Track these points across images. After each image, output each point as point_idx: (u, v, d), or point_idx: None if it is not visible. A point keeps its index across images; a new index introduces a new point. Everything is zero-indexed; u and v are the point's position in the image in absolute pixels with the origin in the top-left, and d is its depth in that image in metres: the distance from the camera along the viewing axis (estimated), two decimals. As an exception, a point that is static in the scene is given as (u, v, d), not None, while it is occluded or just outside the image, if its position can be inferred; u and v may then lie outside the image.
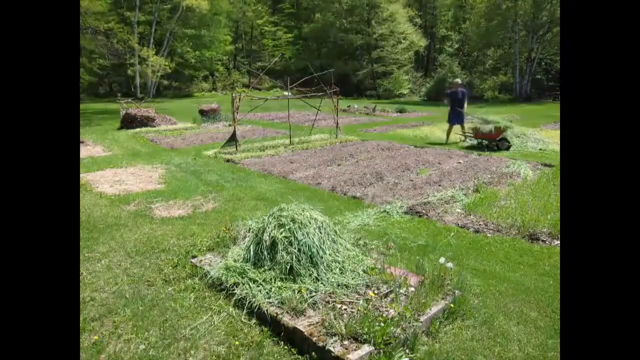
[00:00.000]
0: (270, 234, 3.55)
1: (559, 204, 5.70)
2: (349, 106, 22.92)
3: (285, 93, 12.00)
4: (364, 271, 3.54)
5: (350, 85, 34.84)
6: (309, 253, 3.43)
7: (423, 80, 37.05)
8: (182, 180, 7.82)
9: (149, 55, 28.92)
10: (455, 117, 11.63)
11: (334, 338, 2.76)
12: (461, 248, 4.60)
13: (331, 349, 2.67)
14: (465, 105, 11.70)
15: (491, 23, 30.20)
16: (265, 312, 3.09)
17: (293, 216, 3.59)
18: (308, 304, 3.12)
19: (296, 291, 3.20)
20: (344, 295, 3.23)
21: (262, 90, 37.72)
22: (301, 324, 2.93)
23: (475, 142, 11.16)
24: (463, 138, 11.57)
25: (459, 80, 12.51)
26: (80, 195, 6.66)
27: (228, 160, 9.54)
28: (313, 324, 2.92)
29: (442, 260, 3.46)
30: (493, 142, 10.64)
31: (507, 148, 10.50)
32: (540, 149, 10.47)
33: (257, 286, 3.33)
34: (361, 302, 3.09)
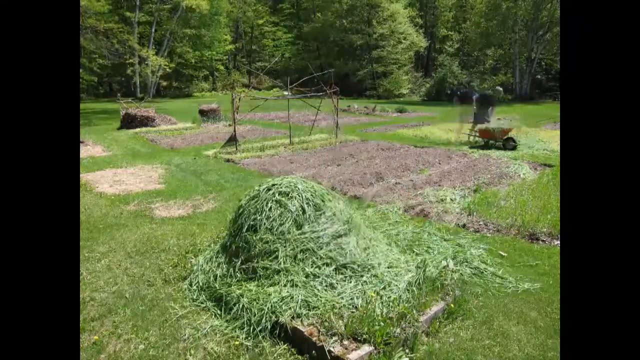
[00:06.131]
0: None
1: (559, 204, 5.70)
2: (349, 106, 22.91)
3: (285, 93, 11.98)
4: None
5: (350, 85, 34.80)
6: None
7: (423, 80, 37.01)
8: (182, 180, 7.82)
9: (148, 55, 28.90)
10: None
11: (334, 338, 2.76)
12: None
13: (331, 349, 2.67)
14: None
15: (491, 23, 30.20)
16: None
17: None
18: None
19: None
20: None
21: (262, 90, 37.70)
22: (301, 324, 2.93)
23: (481, 141, 11.18)
24: (470, 137, 11.58)
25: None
26: (80, 195, 6.66)
27: (228, 160, 9.54)
28: (313, 324, 2.92)
29: (442, 260, 3.46)
30: (499, 141, 10.65)
31: (513, 148, 10.49)
32: (544, 150, 10.41)
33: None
34: (360, 301, 3.09)
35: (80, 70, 24.65)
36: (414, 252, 4.29)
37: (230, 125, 14.23)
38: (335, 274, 3.33)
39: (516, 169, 8.23)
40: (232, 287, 3.36)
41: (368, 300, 3.09)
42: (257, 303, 3.12)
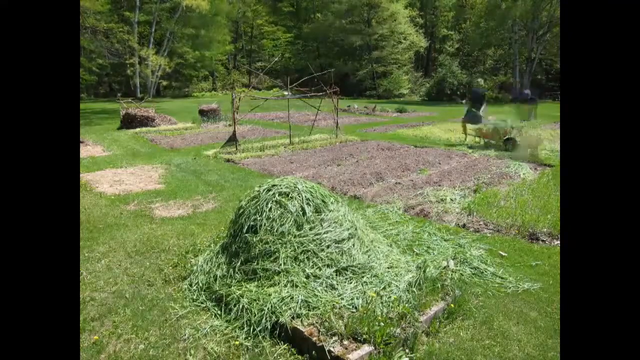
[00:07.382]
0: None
1: (559, 204, 5.70)
2: (349, 106, 22.92)
3: (285, 93, 11.97)
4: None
5: (350, 85, 34.81)
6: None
7: (423, 80, 37.02)
8: (182, 180, 7.82)
9: (148, 55, 28.90)
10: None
11: (334, 338, 2.76)
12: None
13: (331, 349, 2.67)
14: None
15: (491, 23, 30.23)
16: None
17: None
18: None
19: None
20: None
21: (262, 90, 37.69)
22: (301, 324, 2.93)
23: (481, 141, 11.17)
24: (474, 137, 11.59)
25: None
26: (80, 195, 6.66)
27: (228, 160, 9.54)
28: (313, 324, 2.92)
29: (443, 260, 3.46)
30: (500, 142, 10.64)
31: (514, 148, 10.46)
32: (544, 150, 10.38)
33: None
34: (360, 301, 3.09)
35: (80, 70, 24.64)
36: (414, 252, 4.30)
37: (230, 125, 14.23)
38: (336, 275, 3.33)
39: (516, 169, 8.23)
40: (232, 287, 3.36)
41: (368, 301, 3.09)
42: (257, 303, 3.12)
